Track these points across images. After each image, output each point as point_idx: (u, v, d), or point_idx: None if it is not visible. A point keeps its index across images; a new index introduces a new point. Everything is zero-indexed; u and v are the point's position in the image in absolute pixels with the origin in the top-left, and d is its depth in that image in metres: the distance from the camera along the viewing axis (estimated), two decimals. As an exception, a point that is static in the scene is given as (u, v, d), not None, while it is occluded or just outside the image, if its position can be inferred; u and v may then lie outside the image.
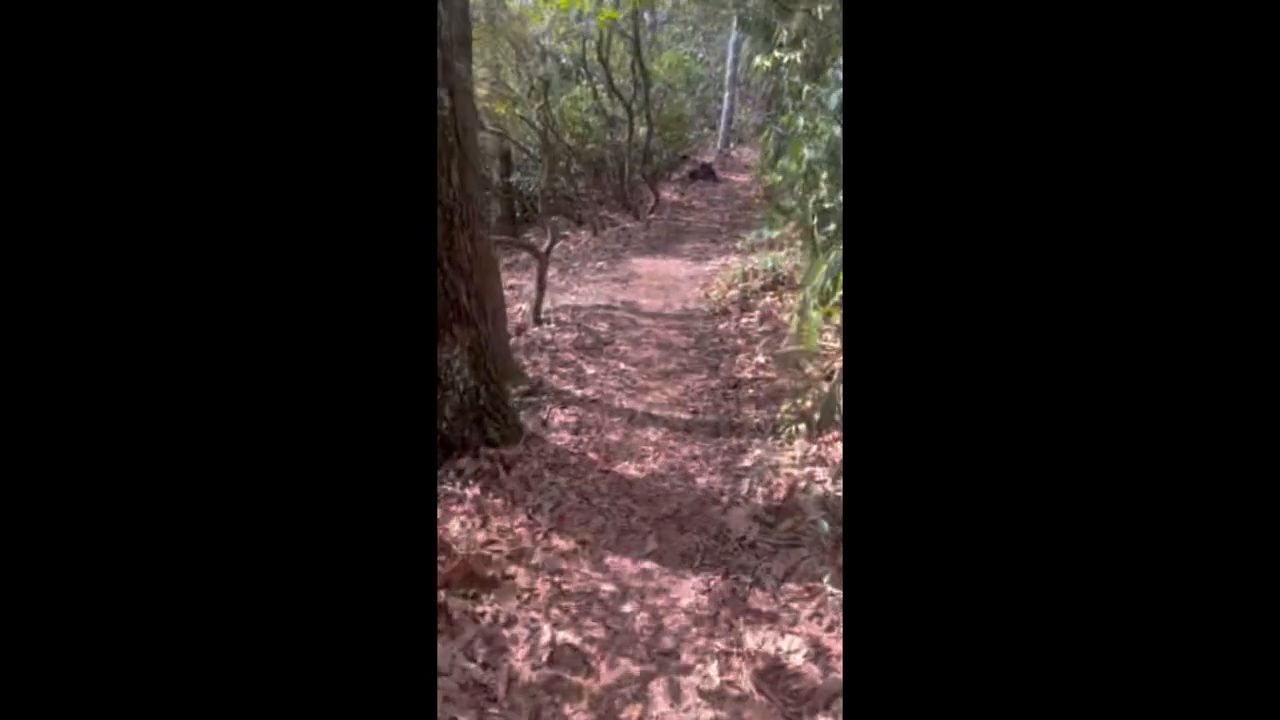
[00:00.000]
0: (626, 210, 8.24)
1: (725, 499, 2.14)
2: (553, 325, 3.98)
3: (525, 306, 4.18)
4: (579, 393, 3.02)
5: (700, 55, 11.25)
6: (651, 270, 5.43)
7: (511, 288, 4.90)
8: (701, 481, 2.27)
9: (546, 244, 4.24)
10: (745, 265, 4.89)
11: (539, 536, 1.94)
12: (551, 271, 5.81)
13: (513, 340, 3.50)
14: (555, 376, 3.23)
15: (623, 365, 3.37)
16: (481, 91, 6.49)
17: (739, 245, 5.83)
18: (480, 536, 1.92)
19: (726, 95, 12.55)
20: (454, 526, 1.95)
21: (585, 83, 8.72)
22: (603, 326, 3.96)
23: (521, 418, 2.58)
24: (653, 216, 8.08)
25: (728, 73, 12.70)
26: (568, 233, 8.06)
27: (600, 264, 5.74)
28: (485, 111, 6.53)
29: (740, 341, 3.64)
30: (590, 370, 3.31)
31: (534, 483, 2.22)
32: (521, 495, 2.13)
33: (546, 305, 4.56)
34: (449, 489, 2.14)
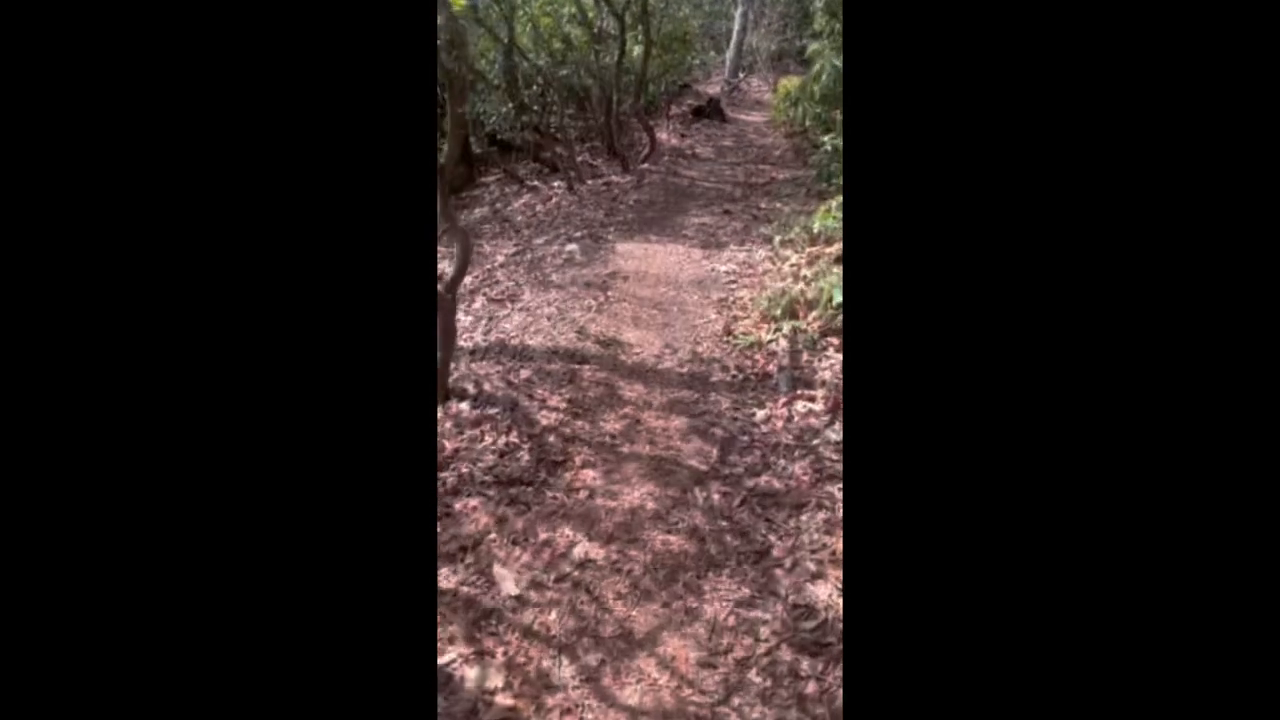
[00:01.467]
0: (613, 157, 6.35)
1: None
2: (466, 410, 2.19)
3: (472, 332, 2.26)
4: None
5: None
6: (643, 265, 3.66)
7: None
8: None
9: (450, 274, 2.19)
10: (784, 277, 3.19)
11: None
12: (500, 256, 3.99)
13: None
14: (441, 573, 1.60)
15: (582, 544, 1.66)
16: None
17: (766, 231, 4.09)
18: None
19: (739, 13, 10.27)
20: None
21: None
22: (553, 415, 2.20)
23: None
24: (646, 166, 6.20)
25: (742, -18, 10.36)
26: (537, 184, 6.20)
27: (571, 248, 3.97)
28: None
29: (799, 471, 1.92)
30: (517, 556, 1.63)
31: None
32: None
33: (477, 338, 2.85)
34: None
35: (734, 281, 3.42)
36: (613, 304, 3.13)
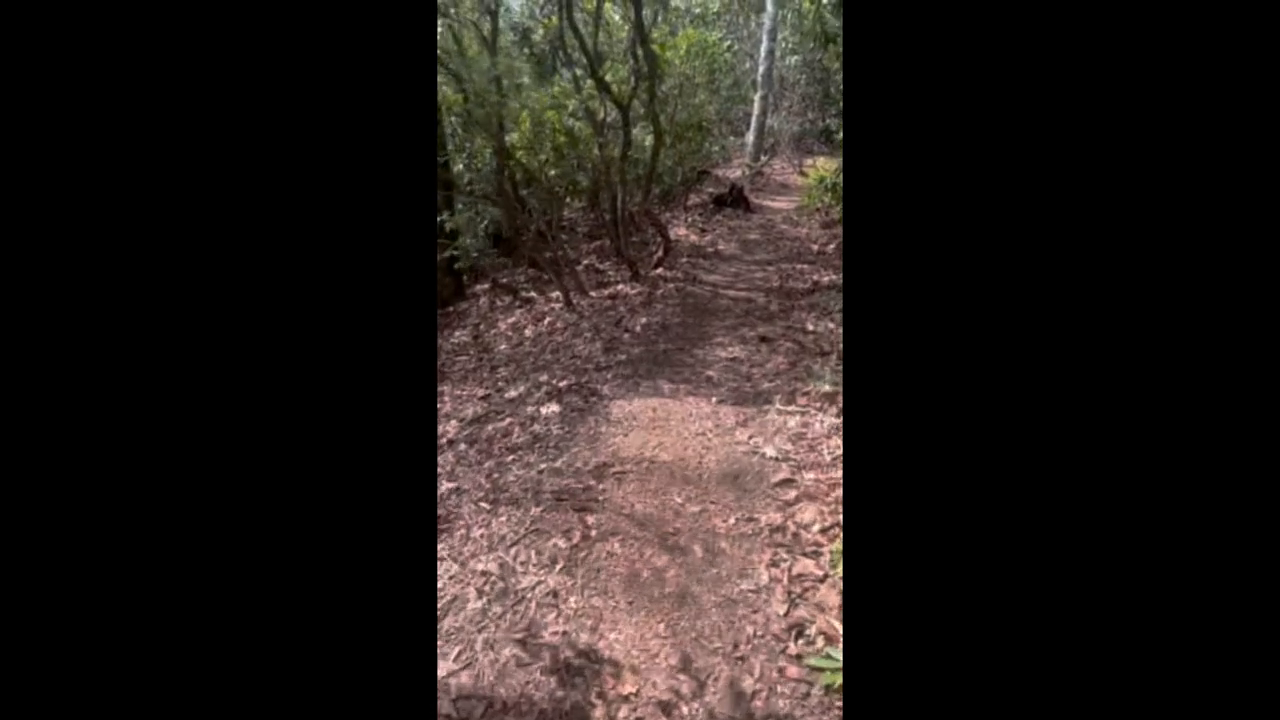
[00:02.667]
0: (621, 260, 5.33)
1: None
2: None
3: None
4: None
5: (726, 41, 8.29)
6: (649, 444, 2.44)
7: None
8: None
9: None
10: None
11: None
12: (454, 424, 2.62)
13: None
14: None
15: None
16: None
17: (824, 373, 2.90)
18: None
19: (758, 96, 9.56)
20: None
21: (567, 74, 5.86)
22: None
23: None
24: (660, 272, 5.15)
25: (760, 67, 9.72)
26: (534, 294, 5.18)
27: (550, 411, 2.82)
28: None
29: None
30: None
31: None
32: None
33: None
34: None
35: (790, 479, 2.15)
36: (596, 547, 1.86)
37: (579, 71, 5.48)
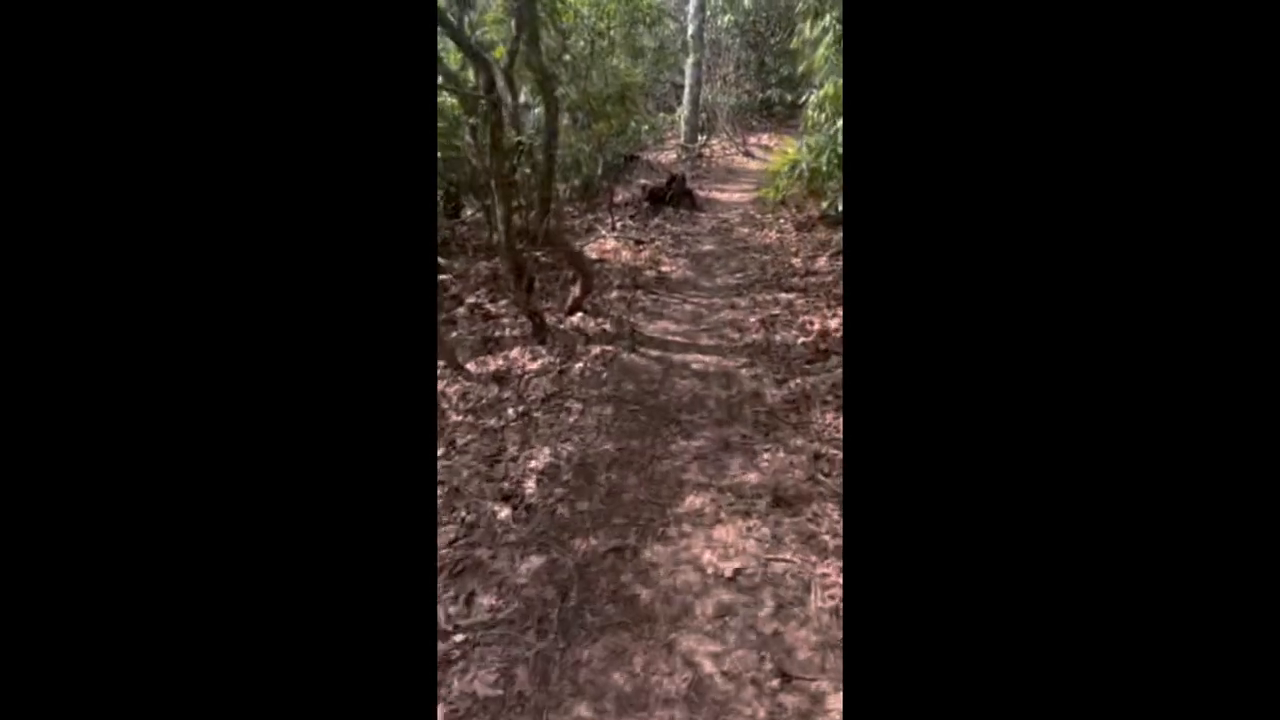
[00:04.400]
0: (523, 311, 3.45)
1: None
2: None
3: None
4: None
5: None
6: None
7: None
8: None
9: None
10: None
11: None
12: None
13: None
14: None
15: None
16: None
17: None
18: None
19: (690, 61, 7.74)
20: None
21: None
22: None
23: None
24: (578, 321, 3.32)
25: (689, 25, 7.90)
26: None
27: None
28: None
29: None
30: None
31: None
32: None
33: None
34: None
35: None
36: None
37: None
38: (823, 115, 3.73)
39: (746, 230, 4.90)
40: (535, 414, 2.37)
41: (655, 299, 3.61)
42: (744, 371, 2.68)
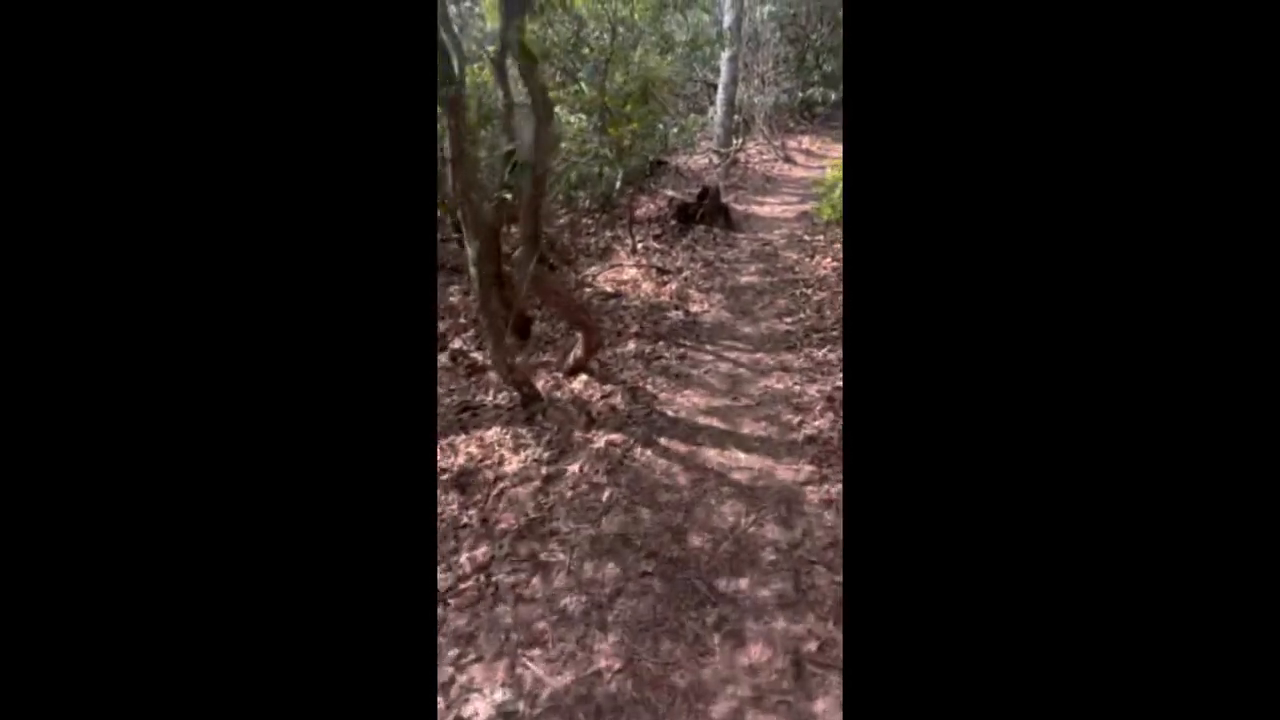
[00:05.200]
0: (509, 376, 2.65)
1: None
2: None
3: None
4: None
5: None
6: None
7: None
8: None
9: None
10: None
11: None
12: None
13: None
14: None
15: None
16: None
17: None
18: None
19: (725, 56, 6.89)
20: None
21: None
22: None
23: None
24: (579, 389, 2.50)
25: (724, 16, 7.03)
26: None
27: None
28: None
29: None
30: None
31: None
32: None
33: None
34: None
35: None
36: None
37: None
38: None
39: (794, 256, 4.02)
40: (496, 574, 1.56)
41: (682, 354, 2.78)
42: (811, 491, 1.83)
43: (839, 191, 4.06)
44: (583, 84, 3.72)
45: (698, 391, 2.46)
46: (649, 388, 2.48)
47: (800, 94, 8.96)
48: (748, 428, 2.19)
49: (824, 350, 2.73)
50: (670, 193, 5.08)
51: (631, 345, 2.84)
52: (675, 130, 5.60)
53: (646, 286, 3.61)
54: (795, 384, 2.47)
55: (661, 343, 2.87)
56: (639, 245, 4.30)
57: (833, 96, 8.92)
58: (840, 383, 2.42)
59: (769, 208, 5.29)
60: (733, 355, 2.78)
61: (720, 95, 6.88)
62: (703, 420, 2.25)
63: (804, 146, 7.66)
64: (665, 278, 3.70)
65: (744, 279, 3.71)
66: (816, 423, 2.18)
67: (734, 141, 6.98)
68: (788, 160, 7.11)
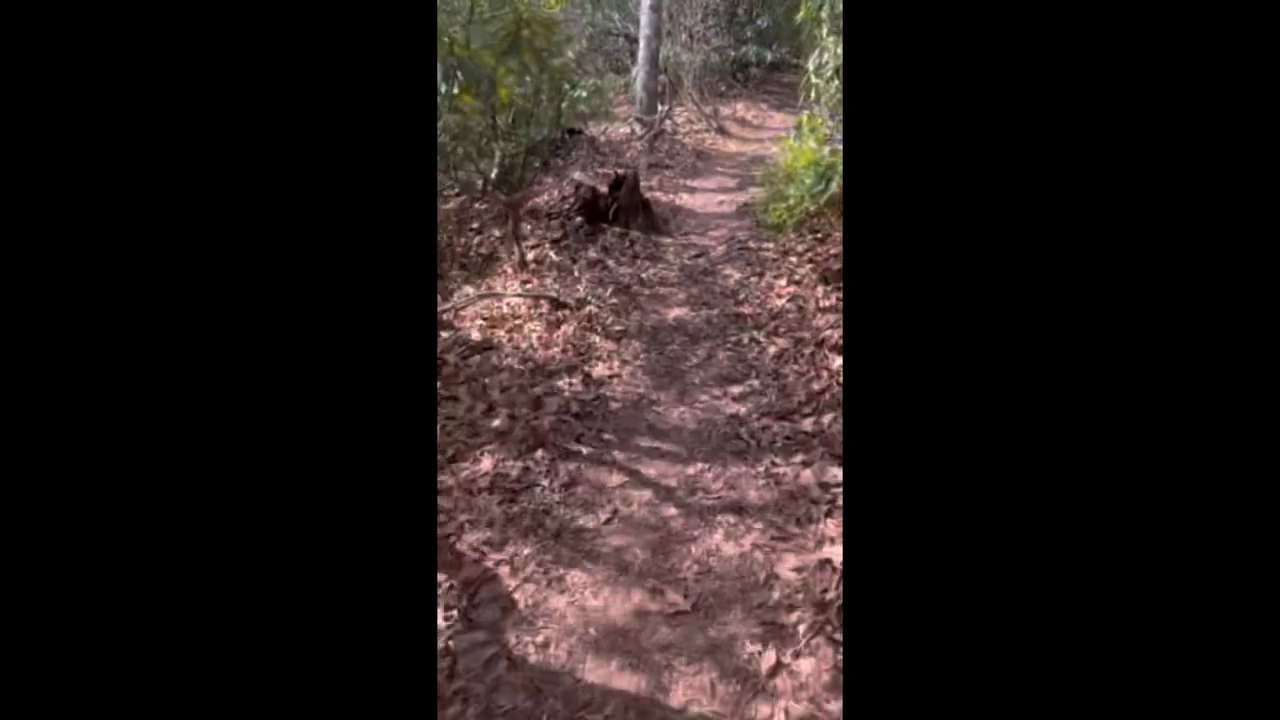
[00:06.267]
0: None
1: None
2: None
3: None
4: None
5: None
6: None
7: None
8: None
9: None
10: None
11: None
12: None
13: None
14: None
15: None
16: None
17: None
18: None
19: (645, 9, 5.65)
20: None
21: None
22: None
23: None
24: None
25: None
26: None
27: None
28: None
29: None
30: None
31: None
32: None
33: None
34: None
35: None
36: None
37: None
38: (833, 85, 1.97)
39: (738, 274, 2.96)
40: None
41: (572, 475, 1.69)
42: None
43: (796, 188, 3.00)
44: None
45: (592, 576, 1.38)
46: (505, 581, 1.37)
47: (732, 53, 7.79)
48: (680, 691, 1.14)
49: (795, 461, 1.71)
50: (579, 175, 3.86)
51: (486, 464, 1.71)
52: (585, 94, 4.35)
53: (532, 329, 2.46)
54: (757, 546, 1.44)
55: (540, 451, 1.76)
56: (528, 255, 3.12)
57: (768, 57, 7.83)
58: (840, 552, 1.40)
59: (701, 197, 4.19)
60: (653, 470, 1.72)
61: (642, 51, 5.64)
62: (593, 671, 1.18)
63: (738, 114, 6.55)
64: (560, 314, 2.56)
65: (671, 313, 2.62)
66: (801, 667, 1.16)
67: (660, 109, 5.79)
68: (721, 131, 5.99)
